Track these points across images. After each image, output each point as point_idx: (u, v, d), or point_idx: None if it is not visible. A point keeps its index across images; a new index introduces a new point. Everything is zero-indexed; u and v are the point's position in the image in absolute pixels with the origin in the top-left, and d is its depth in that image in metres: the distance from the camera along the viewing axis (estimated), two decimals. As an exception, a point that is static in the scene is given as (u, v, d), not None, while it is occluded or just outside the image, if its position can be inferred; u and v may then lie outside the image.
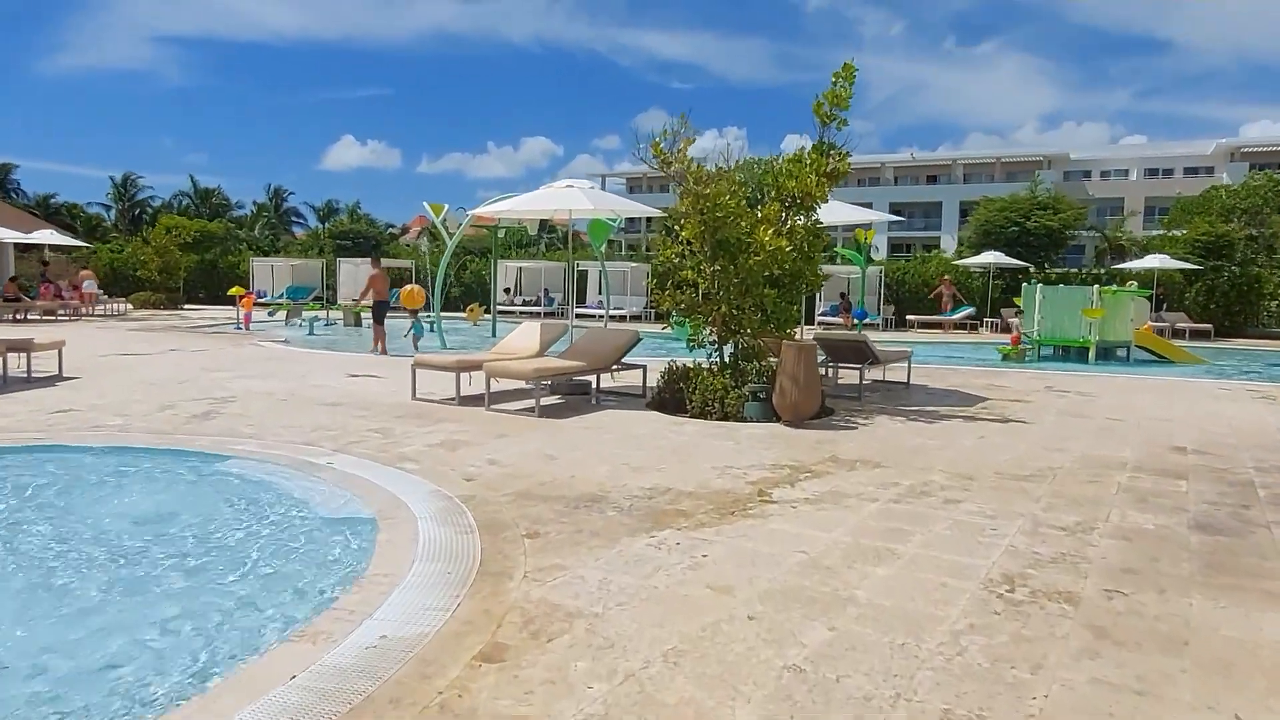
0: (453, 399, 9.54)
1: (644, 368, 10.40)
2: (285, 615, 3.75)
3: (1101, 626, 3.62)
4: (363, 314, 20.47)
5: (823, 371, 10.35)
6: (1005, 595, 3.96)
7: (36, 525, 5.01)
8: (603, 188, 26.61)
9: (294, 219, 67.54)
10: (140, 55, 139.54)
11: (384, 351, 15.12)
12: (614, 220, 19.17)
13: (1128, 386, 12.24)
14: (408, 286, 18.91)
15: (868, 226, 21.01)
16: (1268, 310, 26.82)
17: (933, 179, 72.35)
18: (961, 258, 30.34)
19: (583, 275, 31.20)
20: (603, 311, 20.74)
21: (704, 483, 6.00)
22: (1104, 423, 8.97)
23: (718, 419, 8.62)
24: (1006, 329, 22.37)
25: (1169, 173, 64.16)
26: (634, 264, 32.04)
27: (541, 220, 22.04)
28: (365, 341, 16.53)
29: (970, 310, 27.07)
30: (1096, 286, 16.81)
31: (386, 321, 15.77)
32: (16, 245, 30.84)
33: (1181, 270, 25.93)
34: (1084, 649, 3.40)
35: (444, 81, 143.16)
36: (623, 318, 26.78)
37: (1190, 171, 62.43)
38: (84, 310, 26.38)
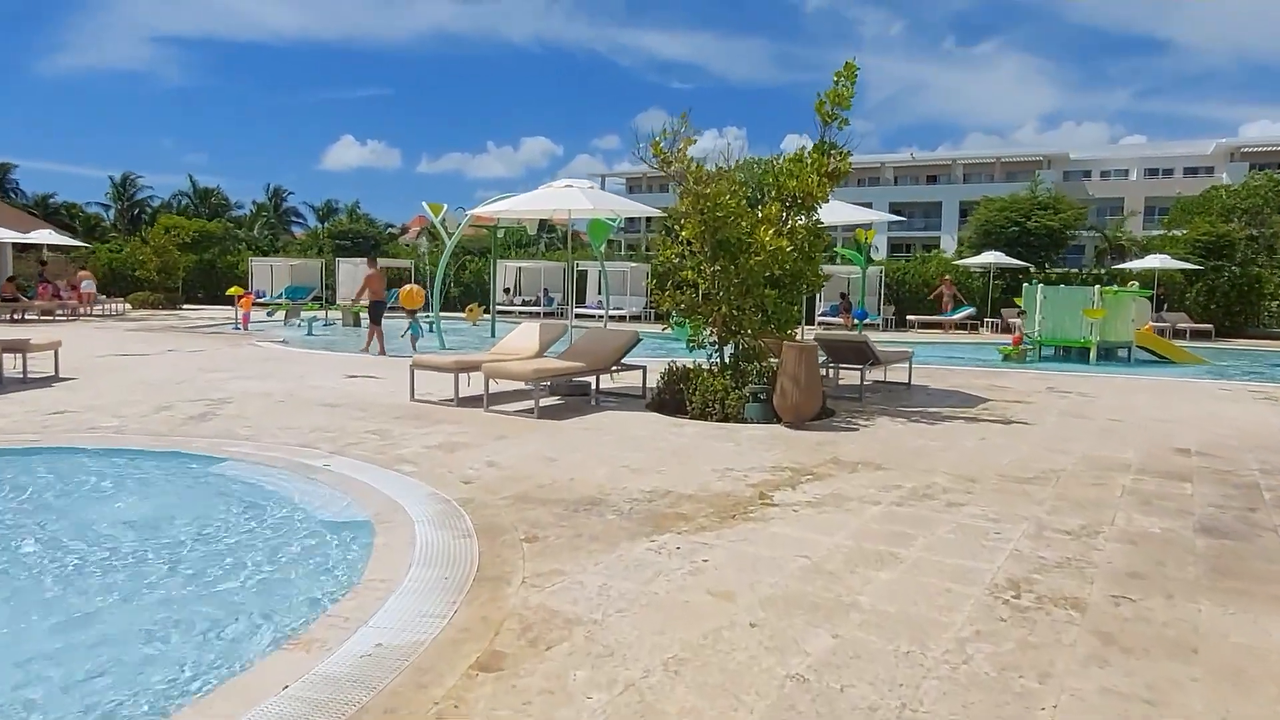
0: (451, 400, 9.48)
1: (644, 368, 10.34)
2: (279, 622, 3.69)
3: (1109, 633, 3.57)
4: (361, 314, 20.41)
5: (823, 372, 10.29)
6: (1011, 601, 3.90)
7: (27, 529, 4.95)
8: (602, 188, 26.50)
9: (293, 219, 67.46)
10: (140, 55, 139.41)
11: (382, 352, 15.06)
12: (614, 220, 19.11)
13: (1129, 387, 12.19)
14: (407, 286, 18.85)
15: (868, 226, 20.90)
16: (1268, 310, 26.80)
17: (933, 179, 72.30)
18: (961, 258, 30.30)
19: (582, 275, 31.13)
20: (602, 312, 20.67)
21: (704, 485, 5.95)
22: (1106, 424, 8.92)
23: (718, 420, 8.57)
24: (1007, 329, 22.31)
25: (1169, 173, 64.12)
26: (634, 264, 31.97)
27: (541, 220, 21.97)
28: (364, 342, 16.47)
29: (970, 310, 27.02)
30: (1098, 287, 16.76)
31: (385, 321, 15.71)
32: (15, 245, 30.76)
33: (1182, 270, 25.89)
34: (1092, 656, 3.34)
35: (444, 81, 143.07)
36: (622, 318, 26.71)
37: (1190, 171, 62.39)
38: (82, 310, 26.31)
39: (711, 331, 9.56)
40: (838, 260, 25.20)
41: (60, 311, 25.35)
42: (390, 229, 57.11)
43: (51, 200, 57.43)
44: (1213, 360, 17.19)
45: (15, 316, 23.28)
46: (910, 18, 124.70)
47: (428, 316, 19.03)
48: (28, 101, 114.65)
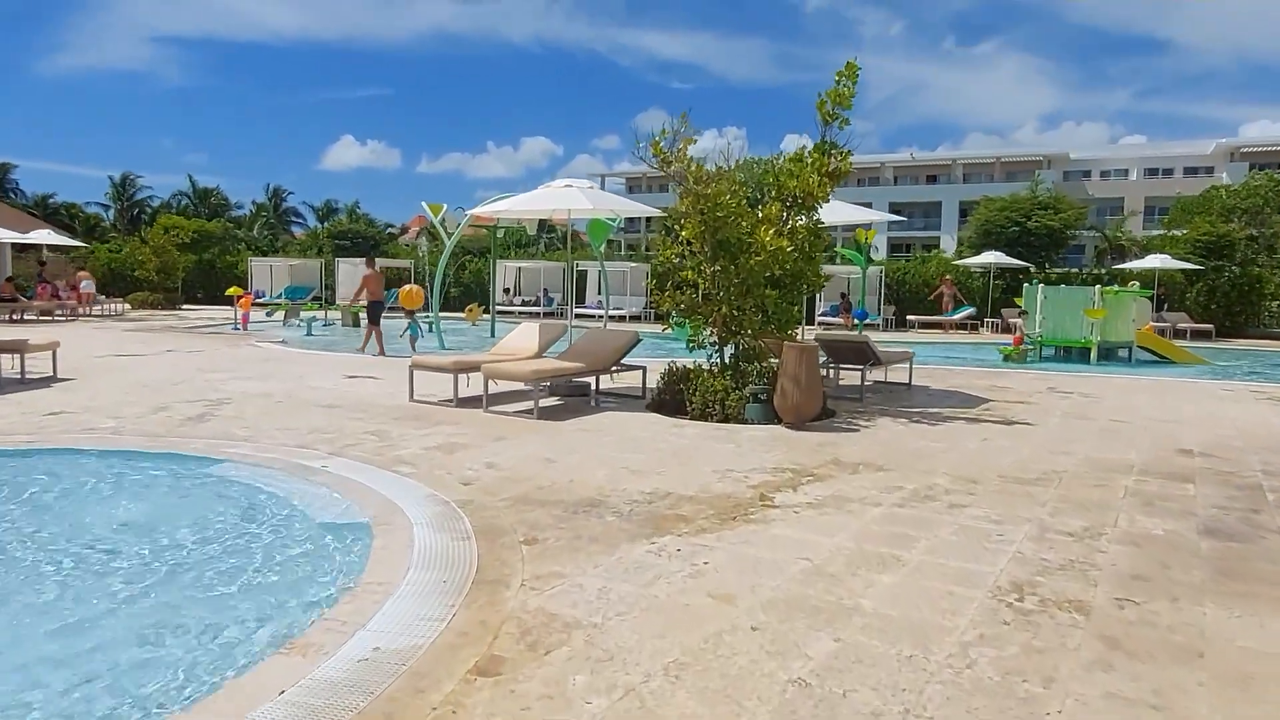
0: (450, 401, 9.45)
1: (644, 369, 10.30)
2: (275, 626, 3.65)
3: (1114, 637, 3.53)
4: (360, 315, 20.38)
5: (824, 373, 10.25)
6: (1014, 604, 3.87)
7: (23, 531, 4.91)
8: (602, 187, 26.43)
9: (293, 219, 67.38)
10: (140, 55, 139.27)
11: (381, 352, 15.02)
12: (613, 220, 19.06)
13: (1130, 387, 12.16)
14: (406, 286, 18.78)
15: (868, 226, 20.85)
16: (1269, 310, 26.78)
17: (932, 179, 72.24)
18: (962, 258, 30.27)
19: (582, 275, 31.09)
20: (602, 312, 20.63)
21: (705, 486, 5.91)
22: (1108, 424, 8.88)
23: (718, 421, 8.53)
24: (1007, 329, 22.28)
25: (1169, 173, 64.08)
26: (634, 264, 31.93)
27: (541, 220, 21.93)
28: (361, 342, 16.43)
29: (971, 310, 26.99)
30: (1098, 287, 16.72)
31: (384, 322, 15.66)
32: (14, 245, 30.72)
33: (1182, 270, 25.86)
34: (1096, 661, 3.31)
35: (444, 81, 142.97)
36: (622, 318, 26.68)
37: (1190, 171, 62.35)
38: (81, 311, 26.26)
39: (711, 332, 9.52)
40: (838, 260, 25.16)
41: (59, 312, 25.31)
42: (390, 229, 57.06)
43: (51, 200, 57.39)
44: (1213, 360, 17.16)
45: (14, 317, 23.24)
46: (910, 18, 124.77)
47: (427, 317, 19.00)
48: (28, 101, 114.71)
